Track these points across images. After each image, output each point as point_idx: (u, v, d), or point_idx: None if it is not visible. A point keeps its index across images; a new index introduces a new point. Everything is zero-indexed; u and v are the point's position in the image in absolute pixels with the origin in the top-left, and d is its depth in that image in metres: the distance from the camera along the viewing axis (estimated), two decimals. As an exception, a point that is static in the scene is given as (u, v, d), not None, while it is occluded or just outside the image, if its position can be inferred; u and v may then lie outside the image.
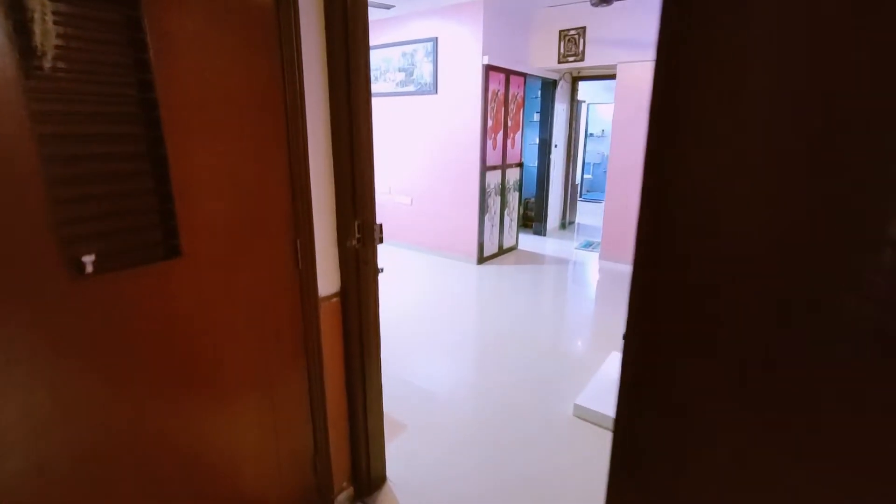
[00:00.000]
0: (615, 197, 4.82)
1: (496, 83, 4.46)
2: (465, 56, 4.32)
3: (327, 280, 1.44)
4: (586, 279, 4.52)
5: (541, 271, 4.70)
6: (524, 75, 4.89)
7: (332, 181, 1.41)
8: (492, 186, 4.75)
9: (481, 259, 4.80)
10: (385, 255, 5.03)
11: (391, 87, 4.91)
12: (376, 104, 5.13)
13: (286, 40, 1.17)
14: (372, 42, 5.02)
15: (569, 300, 3.99)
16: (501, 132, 4.72)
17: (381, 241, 1.58)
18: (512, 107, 4.81)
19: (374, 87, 5.04)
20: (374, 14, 4.80)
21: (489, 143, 4.53)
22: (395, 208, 5.30)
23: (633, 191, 4.70)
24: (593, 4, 3.40)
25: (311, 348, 1.38)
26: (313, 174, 1.31)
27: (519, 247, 5.47)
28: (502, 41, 4.48)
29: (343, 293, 1.50)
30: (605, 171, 10.16)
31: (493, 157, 4.67)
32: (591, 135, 9.63)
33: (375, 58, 4.95)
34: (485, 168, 4.55)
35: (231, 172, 1.14)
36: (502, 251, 5.15)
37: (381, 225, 1.62)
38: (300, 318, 1.36)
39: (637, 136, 4.55)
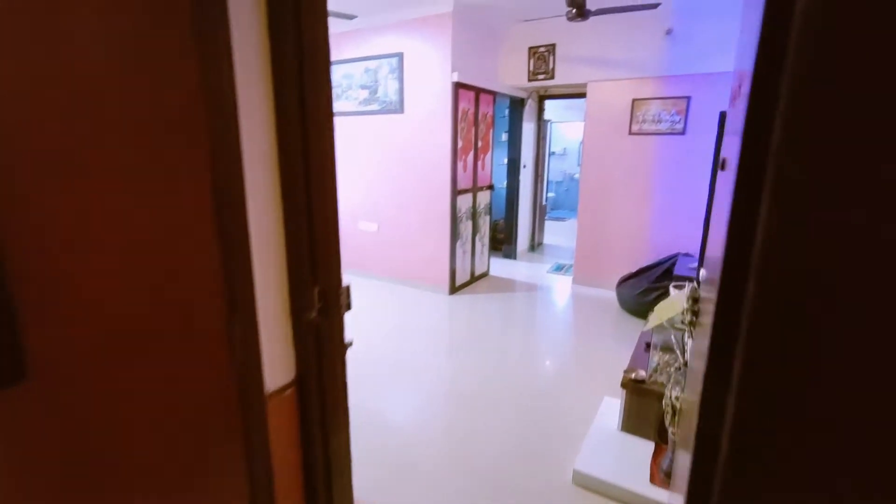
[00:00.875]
0: (588, 218, 4.63)
1: (466, 102, 4.20)
2: (432, 73, 4.04)
3: (277, 368, 1.05)
4: (563, 308, 4.28)
5: (515, 300, 4.42)
6: (494, 93, 4.67)
7: (282, 233, 1.03)
8: (463, 211, 4.45)
9: (453, 288, 4.46)
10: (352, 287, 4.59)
11: (353, 106, 4.56)
12: (337, 124, 4.74)
13: (205, 18, 0.79)
14: (333, 56, 4.62)
15: (548, 333, 3.71)
16: (472, 153, 4.45)
17: (348, 307, 1.21)
18: (482, 126, 4.56)
19: (335, 106, 4.66)
20: (334, 26, 4.44)
21: (459, 164, 4.25)
22: (361, 237, 4.89)
23: (606, 212, 4.54)
24: (569, 18, 3.21)
25: (256, 474, 0.97)
26: (253, 224, 0.92)
27: (490, 272, 5.18)
28: (471, 57, 4.24)
29: (299, 382, 1.11)
30: (567, 190, 10.22)
31: (464, 180, 4.39)
32: (554, 153, 9.62)
33: (336, 74, 4.59)
34: (456, 192, 4.24)
35: (117, 228, 0.75)
36: (474, 279, 4.84)
37: (348, 288, 1.25)
38: (239, 429, 0.96)
39: (609, 155, 4.40)
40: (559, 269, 5.40)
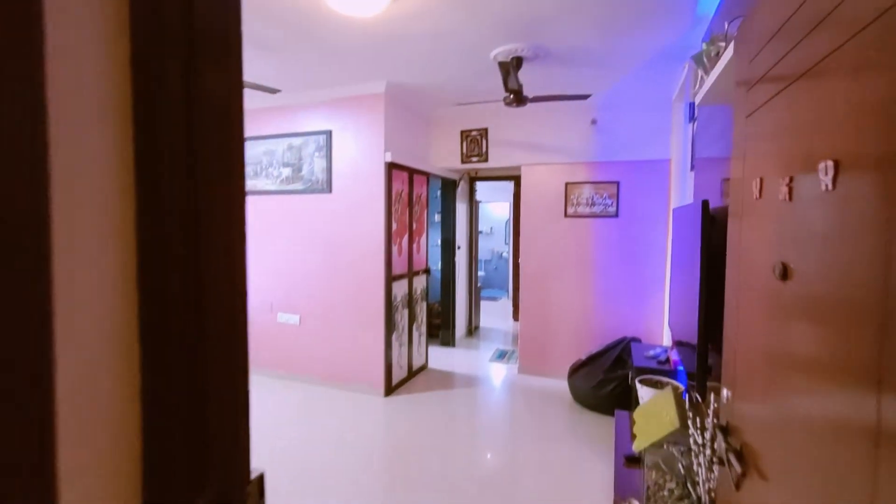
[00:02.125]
0: (529, 302, 4.41)
1: (399, 183, 3.95)
2: (364, 152, 3.77)
3: None
4: (512, 404, 3.86)
5: (459, 398, 3.93)
6: (427, 174, 4.50)
7: (135, 383, 0.53)
8: (398, 298, 4.02)
9: (389, 388, 3.88)
10: (265, 392, 3.82)
11: (274, 185, 4.10)
12: (253, 203, 4.24)
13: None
14: (253, 132, 4.27)
15: (500, 438, 3.24)
16: (407, 236, 4.12)
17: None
18: (416, 208, 4.31)
19: (252, 183, 4.18)
20: (254, 101, 4.09)
21: (394, 248, 3.88)
22: (280, 331, 4.21)
23: (548, 295, 4.36)
24: (507, 103, 3.15)
25: None
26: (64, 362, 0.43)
27: (429, 364, 4.68)
28: (405, 138, 4.07)
29: None
30: (496, 269, 10.25)
31: (399, 265, 4.00)
32: (482, 232, 9.70)
33: (254, 150, 4.16)
34: (391, 278, 3.83)
35: None
36: (412, 374, 4.30)
37: (261, 476, 0.76)
38: None
39: (546, 237, 4.31)
40: (502, 356, 5.04)
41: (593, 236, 4.17)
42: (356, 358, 3.92)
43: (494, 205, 9.71)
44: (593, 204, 4.16)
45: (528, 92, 3.36)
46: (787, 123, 0.82)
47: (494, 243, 10.07)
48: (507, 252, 9.26)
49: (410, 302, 4.25)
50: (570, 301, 4.26)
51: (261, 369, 4.29)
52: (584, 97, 3.33)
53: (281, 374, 4.21)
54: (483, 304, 7.85)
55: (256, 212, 4.22)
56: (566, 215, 4.24)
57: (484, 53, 2.97)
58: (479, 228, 9.40)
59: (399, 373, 4.05)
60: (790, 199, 0.75)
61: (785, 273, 0.75)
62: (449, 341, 5.39)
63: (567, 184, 4.22)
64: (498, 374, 4.53)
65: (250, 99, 4.05)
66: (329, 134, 3.85)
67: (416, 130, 4.33)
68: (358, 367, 3.91)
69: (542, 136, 4.25)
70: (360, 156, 3.79)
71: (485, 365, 4.79)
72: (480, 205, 8.92)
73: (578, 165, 4.19)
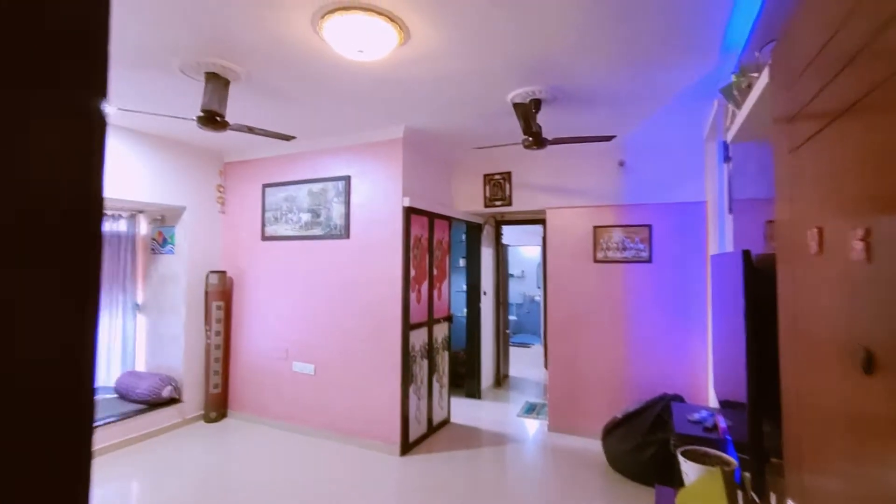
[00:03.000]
0: (559, 352, 4.11)
1: (419, 228, 3.85)
2: (382, 197, 3.71)
3: None
4: (541, 467, 3.49)
5: (483, 458, 3.60)
6: (449, 219, 4.39)
7: None
8: (417, 348, 3.82)
9: (406, 447, 3.61)
10: (273, 445, 3.64)
11: (294, 230, 4.09)
12: (273, 249, 4.23)
13: None
14: (273, 179, 4.35)
15: (529, 511, 2.88)
16: (426, 282, 3.97)
17: None
18: (437, 253, 4.18)
19: (273, 229, 4.19)
20: (275, 148, 4.17)
21: (413, 296, 3.73)
22: (294, 381, 4.07)
23: (578, 345, 4.04)
24: (525, 146, 3.03)
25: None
26: None
27: (451, 419, 4.38)
28: (424, 182, 4.01)
29: None
30: (528, 313, 9.89)
31: (418, 313, 3.83)
32: (512, 276, 9.46)
33: (276, 196, 4.20)
34: (409, 326, 3.65)
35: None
36: (432, 429, 4.02)
37: None
38: None
39: (575, 283, 4.06)
40: (531, 410, 4.68)
41: (626, 283, 3.88)
42: (371, 412, 3.70)
43: (526, 248, 9.50)
44: (624, 248, 3.91)
45: (548, 133, 3.24)
46: (848, 158, 0.63)
47: (526, 287, 9.78)
48: (540, 296, 8.94)
49: (431, 351, 4.04)
50: (603, 352, 3.93)
51: (272, 420, 4.13)
52: (609, 138, 3.17)
53: (294, 426, 4.03)
54: (513, 350, 7.49)
55: (275, 257, 4.20)
56: (595, 260, 3.99)
57: (500, 96, 2.90)
58: (510, 272, 9.20)
59: (417, 428, 3.79)
60: (868, 259, 0.55)
61: (870, 363, 0.53)
62: (474, 392, 5.09)
63: (595, 227, 4.00)
64: (526, 430, 4.18)
65: (273, 147, 4.13)
66: (347, 180, 3.84)
67: (437, 175, 4.27)
68: (373, 422, 3.68)
69: (567, 178, 4.09)
70: (377, 201, 3.73)
71: (513, 420, 4.45)
72: (510, 248, 8.76)
73: (607, 208, 3.98)
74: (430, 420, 4.00)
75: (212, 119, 2.53)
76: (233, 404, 4.40)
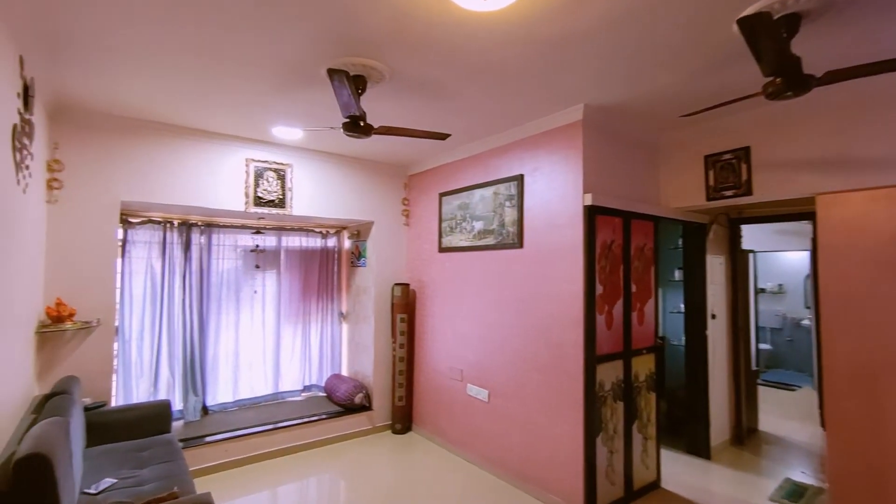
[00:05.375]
0: (850, 413, 2.63)
1: (608, 232, 3.01)
2: (559, 197, 3.04)
3: None
4: None
5: (710, 560, 2.50)
6: (654, 219, 3.37)
7: None
8: (607, 387, 2.97)
9: (592, 513, 2.81)
10: (452, 474, 3.34)
11: (467, 240, 3.78)
12: (448, 260, 4.01)
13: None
14: (448, 187, 4.13)
15: None
16: (621, 302, 3.09)
17: None
18: (637, 264, 3.23)
19: (448, 240, 3.97)
20: (449, 154, 3.96)
21: (600, 319, 2.92)
22: (468, 405, 3.73)
23: (890, 405, 2.47)
24: (770, 95, 1.92)
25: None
26: None
27: (662, 482, 3.31)
28: (615, 174, 3.15)
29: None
30: (790, 340, 7.33)
31: (609, 341, 2.99)
32: (763, 291, 7.19)
33: (450, 205, 3.98)
34: (594, 359, 2.86)
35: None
36: (632, 494, 3.08)
37: None
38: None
39: (876, 309, 2.53)
40: (794, 495, 3.19)
41: None
42: (549, 457, 3.03)
43: (785, 253, 7.10)
44: None
45: (812, 68, 2.02)
46: None
47: (787, 306, 7.28)
48: (810, 319, 6.52)
49: (628, 392, 3.11)
50: (944, 431, 2.30)
51: (448, 444, 3.86)
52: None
53: (467, 455, 3.66)
54: (765, 393, 5.57)
55: (451, 270, 3.96)
56: (920, 273, 2.39)
57: (721, 21, 1.90)
58: (759, 285, 6.99)
59: (609, 490, 2.93)
60: None
61: None
62: (699, 448, 3.81)
63: (918, 218, 2.40)
64: (784, 528, 2.80)
65: (448, 153, 3.93)
66: (520, 179, 3.30)
67: (633, 163, 3.33)
68: (551, 469, 3.01)
69: (856, 142, 2.60)
70: (553, 202, 3.08)
71: (761, 503, 3.09)
72: (757, 255, 6.66)
73: (944, 185, 2.34)
74: (628, 480, 3.07)
75: (355, 124, 2.37)
76: (416, 419, 4.35)
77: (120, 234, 3.51)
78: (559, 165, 3.04)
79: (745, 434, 4.20)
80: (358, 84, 2.37)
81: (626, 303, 3.12)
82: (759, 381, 4.96)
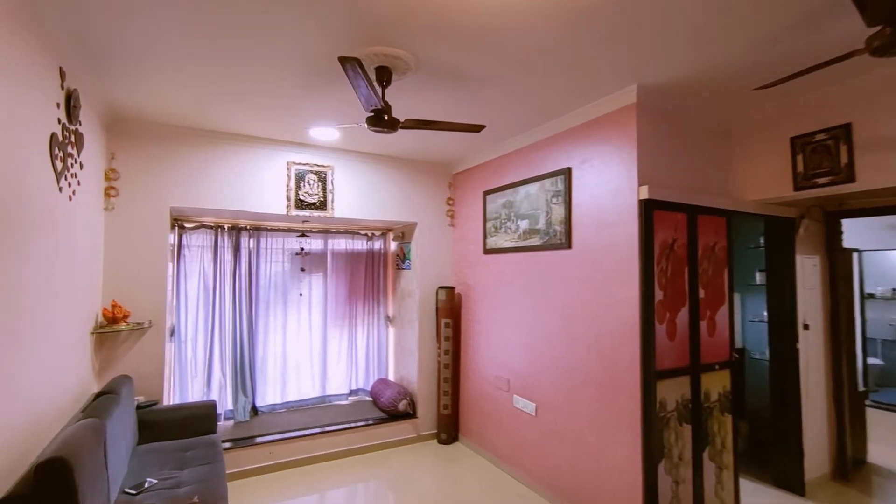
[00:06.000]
0: None
1: (669, 229, 2.64)
2: (610, 191, 2.72)
3: None
4: None
5: None
6: (727, 213, 2.92)
7: None
8: (671, 406, 2.59)
9: (653, 552, 2.45)
10: (500, 494, 3.11)
11: (511, 240, 3.53)
12: (493, 262, 3.78)
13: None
14: (492, 184, 3.83)
15: None
16: (686, 309, 2.69)
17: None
18: (706, 266, 2.81)
19: (493, 241, 3.75)
20: (494, 150, 3.74)
21: (660, 329, 2.55)
22: (515, 418, 3.47)
23: None
24: (877, 51, 1.51)
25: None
26: None
27: (743, 520, 2.85)
28: (676, 163, 2.76)
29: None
30: (909, 353, 6.22)
31: (672, 354, 2.61)
32: (872, 296, 6.18)
33: (495, 204, 3.75)
34: (654, 374, 2.50)
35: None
36: (703, 532, 2.66)
37: None
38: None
39: None
40: (915, 548, 2.59)
41: None
42: (602, 484, 2.70)
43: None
44: None
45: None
46: None
47: (901, 313, 6.20)
48: (932, 331, 5.52)
49: (697, 413, 2.70)
50: None
51: (494, 458, 3.62)
52: None
53: (514, 471, 3.40)
54: (878, 417, 4.74)
55: (496, 272, 3.73)
56: None
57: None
58: (866, 290, 6.00)
59: (674, 528, 2.55)
60: None
61: None
62: (791, 481, 3.26)
63: None
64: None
65: (492, 148, 3.71)
66: (567, 173, 3.00)
67: (699, 150, 2.91)
68: (605, 496, 2.68)
69: None
70: (604, 197, 2.75)
71: (870, 556, 2.54)
72: (863, 254, 5.72)
73: None
74: (699, 517, 2.66)
75: (379, 118, 2.24)
76: (462, 429, 4.15)
77: (174, 238, 3.67)
78: (611, 157, 2.71)
79: (851, 466, 3.54)
80: (383, 76, 2.24)
81: (692, 310, 2.72)
82: (867, 402, 4.19)
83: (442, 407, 4.11)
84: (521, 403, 3.39)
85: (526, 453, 3.32)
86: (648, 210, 2.54)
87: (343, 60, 1.74)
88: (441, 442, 4.12)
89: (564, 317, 3.02)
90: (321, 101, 2.73)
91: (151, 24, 1.90)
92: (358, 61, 1.74)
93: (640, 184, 2.54)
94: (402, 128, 2.35)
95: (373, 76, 2.27)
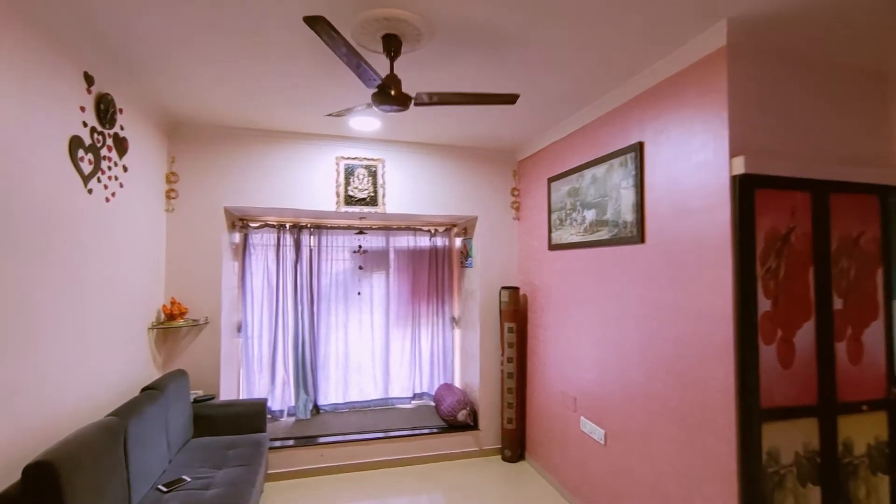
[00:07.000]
0: None
1: (781, 214, 1.92)
2: (691, 167, 2.08)
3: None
4: None
5: None
6: (880, 190, 2.07)
7: None
8: (787, 459, 1.88)
9: None
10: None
11: (577, 234, 2.99)
12: (558, 260, 3.25)
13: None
14: (556, 170, 3.22)
15: None
16: (810, 325, 1.94)
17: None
18: (843, 264, 2.01)
19: (558, 235, 3.23)
20: (558, 130, 3.23)
21: (768, 350, 1.86)
22: (581, 443, 2.93)
23: None
24: None
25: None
26: None
27: None
28: (790, 122, 2.01)
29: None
30: None
31: (785, 387, 1.89)
32: None
33: (559, 192, 3.21)
34: (757, 413, 1.83)
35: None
36: None
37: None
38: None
39: None
40: None
41: None
42: (680, 551, 2.08)
43: None
44: None
45: None
46: None
47: None
48: None
49: (831, 471, 1.94)
50: None
51: (559, 484, 3.10)
52: None
53: (572, 501, 2.87)
54: None
55: (560, 272, 3.20)
56: None
57: None
58: None
59: None
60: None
61: None
62: None
63: None
64: None
65: (557, 128, 3.20)
66: (638, 149, 2.39)
67: (828, 103, 2.09)
68: (685, 569, 2.06)
69: None
70: (684, 174, 2.11)
71: None
72: None
73: None
74: None
75: (384, 94, 1.93)
76: (529, 447, 3.68)
77: (239, 237, 3.79)
78: (693, 123, 2.07)
79: None
80: (390, 46, 1.93)
81: (821, 327, 1.96)
82: None
83: (506, 420, 3.69)
84: (588, 427, 2.85)
85: (594, 487, 2.77)
86: (746, 189, 1.87)
87: (309, 22, 1.46)
88: (505, 459, 3.71)
89: (638, 329, 2.42)
90: (340, 83, 2.51)
91: (169, 22, 1.85)
92: (326, 21, 1.45)
93: (733, 155, 1.88)
94: (416, 104, 2.02)
95: (378, 47, 1.97)
